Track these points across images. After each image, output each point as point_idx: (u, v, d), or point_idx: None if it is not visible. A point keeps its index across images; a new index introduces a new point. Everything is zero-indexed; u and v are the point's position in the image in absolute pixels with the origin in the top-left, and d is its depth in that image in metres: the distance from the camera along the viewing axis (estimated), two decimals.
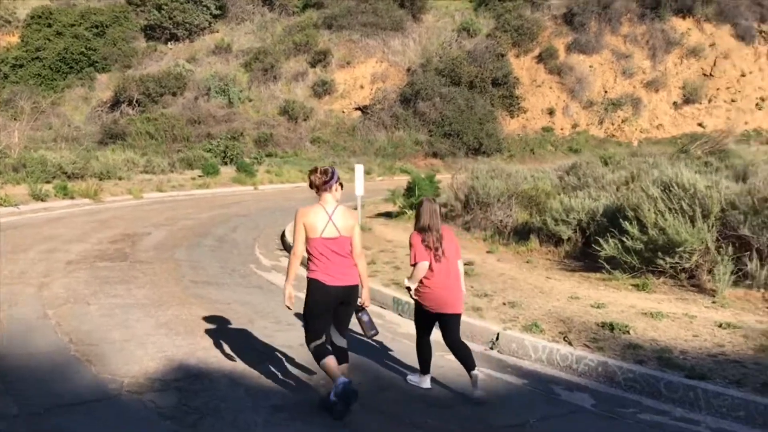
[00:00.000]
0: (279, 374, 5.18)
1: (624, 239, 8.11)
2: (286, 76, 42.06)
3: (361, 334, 6.35)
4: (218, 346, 5.79)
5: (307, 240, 4.36)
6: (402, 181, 30.95)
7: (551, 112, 40.93)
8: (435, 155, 36.58)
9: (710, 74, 41.73)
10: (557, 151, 38.66)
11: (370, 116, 39.37)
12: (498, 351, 6.07)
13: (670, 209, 7.87)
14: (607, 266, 8.25)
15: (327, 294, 4.36)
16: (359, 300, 4.58)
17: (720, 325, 6.23)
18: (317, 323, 4.42)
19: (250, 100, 40.87)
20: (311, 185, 4.47)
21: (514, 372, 5.51)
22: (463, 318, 6.65)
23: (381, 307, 7.70)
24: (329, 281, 4.35)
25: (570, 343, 5.85)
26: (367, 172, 33.07)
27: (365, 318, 4.62)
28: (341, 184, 4.50)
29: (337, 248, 4.37)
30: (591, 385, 5.20)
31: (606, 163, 17.88)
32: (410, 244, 4.87)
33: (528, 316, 6.65)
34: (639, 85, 41.49)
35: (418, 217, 4.89)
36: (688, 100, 41.22)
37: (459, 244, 5.18)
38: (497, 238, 11.14)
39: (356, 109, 40.84)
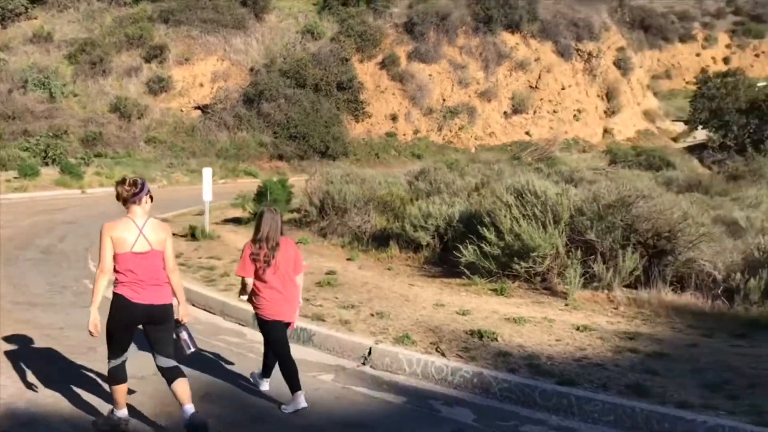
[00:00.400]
0: (128, 412, 4.51)
1: (482, 245, 8.25)
2: (118, 71, 39.00)
3: (227, 361, 5.82)
4: (53, 382, 4.96)
5: (115, 256, 4.07)
6: (247, 184, 29.99)
7: (394, 118, 41.86)
8: (280, 158, 35.86)
9: (535, 87, 45.08)
10: (401, 156, 39.62)
11: (211, 116, 37.70)
12: (371, 366, 5.82)
13: (524, 215, 8.13)
14: (466, 272, 8.36)
15: (131, 311, 4.09)
16: (177, 316, 4.33)
17: (578, 328, 6.47)
18: (118, 340, 4.19)
19: (76, 95, 37.40)
20: (118, 197, 4.20)
21: (390, 389, 5.29)
22: (332, 333, 6.38)
23: (240, 324, 7.16)
24: (135, 298, 4.08)
25: (443, 354, 5.75)
26: None
27: (184, 335, 4.34)
28: (151, 197, 4.27)
29: (149, 263, 4.13)
30: (468, 398, 5.12)
31: (451, 169, 18.47)
32: (240, 255, 4.88)
33: (398, 327, 6.48)
34: (474, 95, 43.75)
35: (257, 227, 4.84)
36: (516, 110, 44.16)
37: (300, 253, 5.11)
38: (356, 245, 10.95)
39: (196, 108, 38.88)
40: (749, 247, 7.83)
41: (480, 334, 6.16)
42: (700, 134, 42.70)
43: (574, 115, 45.47)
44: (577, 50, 47.61)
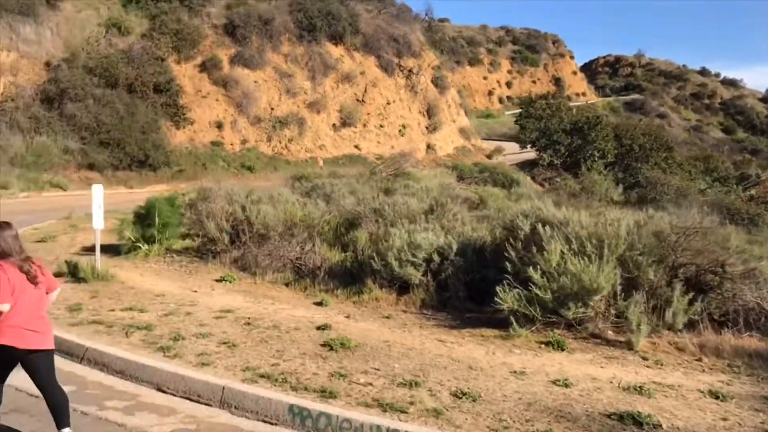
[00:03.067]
0: None
1: (524, 288, 6.77)
2: None
3: None
4: None
5: None
6: (56, 198, 25.43)
7: (219, 126, 38.48)
8: (91, 167, 30.79)
9: (362, 100, 44.73)
10: (230, 167, 36.46)
11: (0, 116, 31.32)
12: None
13: (571, 250, 6.82)
14: (511, 320, 6.80)
15: None
16: None
17: (716, 396, 5.30)
18: None
19: None
20: None
21: None
22: None
23: (265, 420, 4.87)
24: None
25: None
26: (3, 187, 26.10)
27: None
28: None
29: None
30: None
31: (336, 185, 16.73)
32: None
33: (513, 414, 4.76)
34: (302, 105, 42.05)
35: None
36: (345, 123, 43.35)
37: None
38: (308, 283, 8.78)
39: None
40: None
41: (635, 420, 4.69)
42: (510, 150, 45.61)
43: (399, 130, 45.93)
44: (399, 66, 48.30)
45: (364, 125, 44.24)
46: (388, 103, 46.15)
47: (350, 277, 8.81)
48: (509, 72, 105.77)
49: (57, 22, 38.97)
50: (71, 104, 32.36)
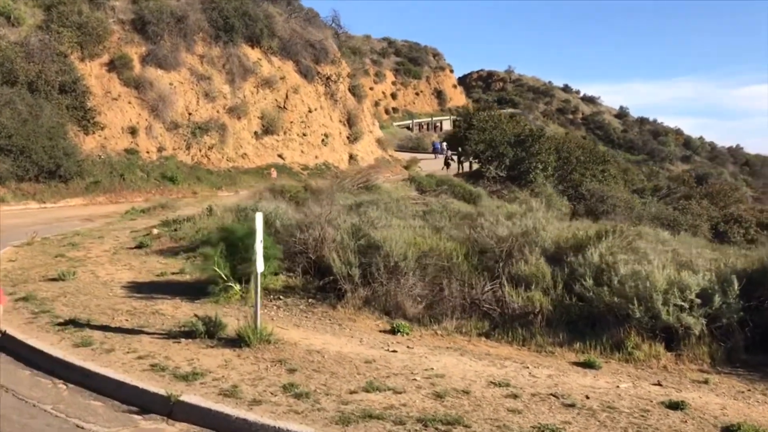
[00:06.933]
0: None
1: None
2: None
3: None
4: None
5: None
6: None
7: (133, 132, 34.20)
8: None
9: (284, 107, 42.11)
10: (150, 178, 32.51)
11: None
12: None
13: None
14: None
15: None
16: None
17: None
18: None
19: None
20: None
21: None
22: None
23: None
24: None
25: None
26: None
27: None
28: None
29: None
30: None
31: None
32: None
33: None
34: (222, 111, 38.70)
35: None
36: (267, 131, 40.51)
37: None
38: (525, 334, 6.97)
39: None
40: None
41: None
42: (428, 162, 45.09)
43: (322, 140, 43.88)
44: (318, 73, 46.23)
45: (286, 133, 41.66)
46: (310, 111, 43.90)
47: (566, 325, 7.14)
48: (393, 83, 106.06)
49: None
50: None
